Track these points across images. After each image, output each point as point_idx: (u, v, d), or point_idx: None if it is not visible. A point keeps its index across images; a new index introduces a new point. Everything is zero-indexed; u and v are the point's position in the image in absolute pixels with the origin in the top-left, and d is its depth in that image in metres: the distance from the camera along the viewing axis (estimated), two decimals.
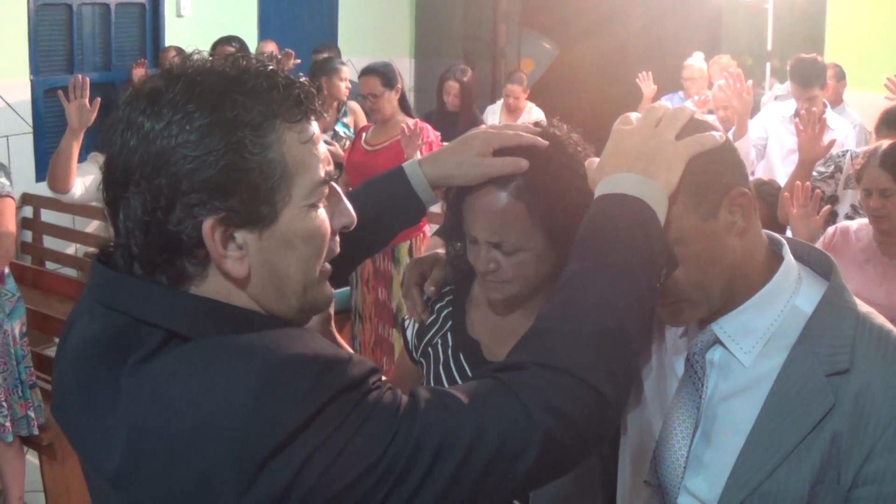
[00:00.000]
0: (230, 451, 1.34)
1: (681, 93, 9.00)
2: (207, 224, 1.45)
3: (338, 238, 1.66)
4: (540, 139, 2.15)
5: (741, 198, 1.78)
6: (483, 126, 2.25)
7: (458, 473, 1.44)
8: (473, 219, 2.21)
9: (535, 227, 2.15)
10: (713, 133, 1.78)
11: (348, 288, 6.77)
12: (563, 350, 1.55)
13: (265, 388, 1.36)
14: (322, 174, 1.56)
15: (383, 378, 1.53)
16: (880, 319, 1.84)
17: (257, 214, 1.48)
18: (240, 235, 1.49)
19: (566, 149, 2.18)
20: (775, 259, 1.89)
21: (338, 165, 7.60)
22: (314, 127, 1.58)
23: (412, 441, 1.42)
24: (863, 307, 1.85)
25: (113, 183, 1.50)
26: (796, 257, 1.92)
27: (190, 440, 1.36)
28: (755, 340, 1.84)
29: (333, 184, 1.63)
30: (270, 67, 1.54)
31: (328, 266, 1.64)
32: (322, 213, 1.58)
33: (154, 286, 1.50)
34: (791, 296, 1.85)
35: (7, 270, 4.96)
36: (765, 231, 1.92)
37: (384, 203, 2.15)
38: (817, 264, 1.93)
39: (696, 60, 8.96)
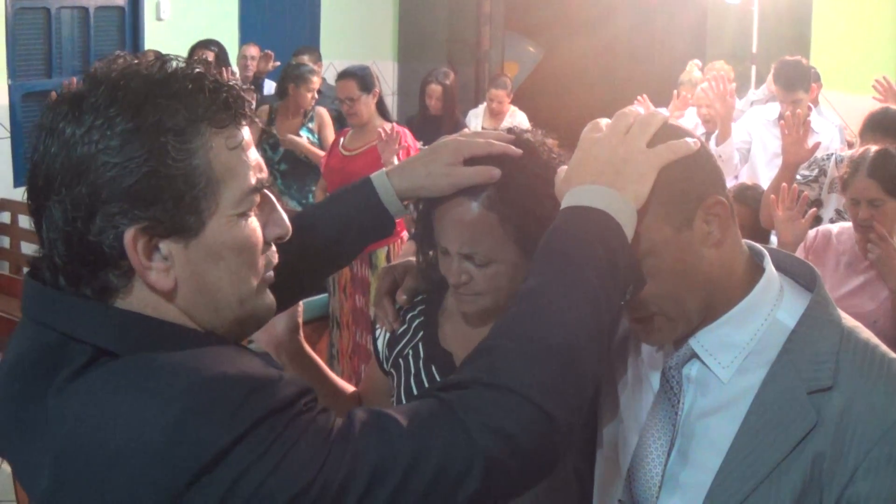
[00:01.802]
0: (153, 475, 1.32)
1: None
2: (129, 234, 1.41)
3: (274, 248, 1.62)
4: (512, 147, 2.10)
5: (717, 207, 1.72)
6: (454, 134, 2.19)
7: (396, 499, 1.40)
8: (444, 230, 2.16)
9: (507, 238, 2.10)
10: (687, 139, 1.72)
11: (326, 295, 6.79)
12: (511, 368, 1.51)
13: (189, 410, 1.33)
14: (252, 182, 1.53)
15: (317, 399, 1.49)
16: (866, 334, 1.79)
17: (182, 224, 1.45)
18: (164, 246, 1.45)
19: (540, 157, 2.13)
20: (756, 270, 1.84)
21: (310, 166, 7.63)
22: (245, 132, 1.54)
23: (345, 465, 1.38)
24: (848, 321, 1.80)
25: (35, 191, 1.47)
26: (778, 268, 1.87)
27: (113, 463, 1.34)
28: (734, 355, 1.79)
29: (267, 192, 1.60)
30: (197, 70, 1.50)
31: (270, 274, 1.61)
32: (253, 222, 1.55)
33: (82, 301, 1.47)
34: (772, 309, 1.80)
35: None
36: (746, 241, 1.87)
37: (351, 216, 2.10)
38: (800, 275, 1.88)
39: (693, 70, 8.86)
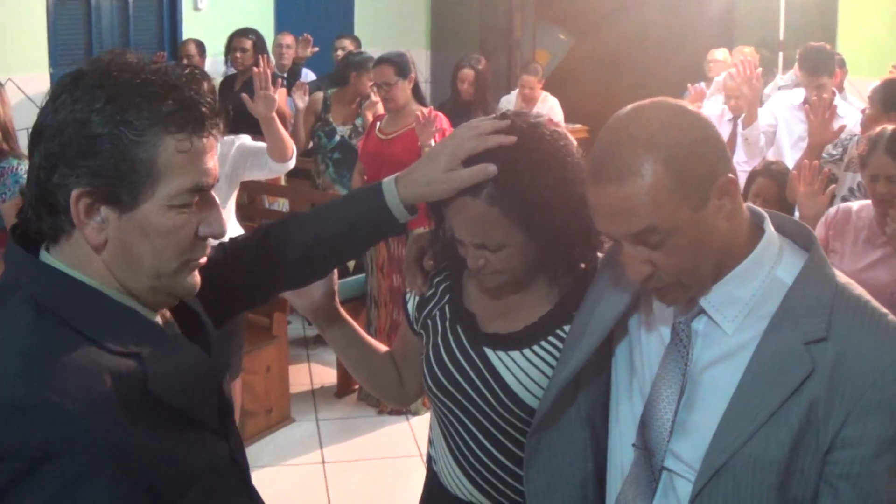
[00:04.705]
0: None
1: (702, 83, 8.96)
2: (75, 193, 1.69)
3: (209, 242, 1.87)
4: (505, 137, 2.21)
5: (728, 185, 1.85)
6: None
7: None
8: (455, 226, 2.30)
9: (513, 225, 2.22)
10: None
11: (363, 275, 6.85)
12: None
13: None
14: (190, 184, 1.76)
15: None
16: (858, 290, 1.90)
17: (117, 198, 1.71)
18: (104, 210, 1.72)
19: (535, 143, 2.24)
20: (757, 232, 1.95)
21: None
22: (202, 142, 1.77)
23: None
24: (842, 278, 1.91)
25: (32, 139, 1.75)
26: (778, 230, 1.98)
27: None
28: (738, 310, 1.91)
29: (212, 194, 1.84)
30: (175, 83, 1.74)
31: (201, 261, 1.87)
32: (184, 216, 1.77)
33: (22, 253, 1.77)
34: (772, 267, 1.92)
35: None
36: (746, 205, 1.98)
37: (361, 217, 2.28)
38: (798, 236, 1.99)
39: (720, 53, 8.96)
